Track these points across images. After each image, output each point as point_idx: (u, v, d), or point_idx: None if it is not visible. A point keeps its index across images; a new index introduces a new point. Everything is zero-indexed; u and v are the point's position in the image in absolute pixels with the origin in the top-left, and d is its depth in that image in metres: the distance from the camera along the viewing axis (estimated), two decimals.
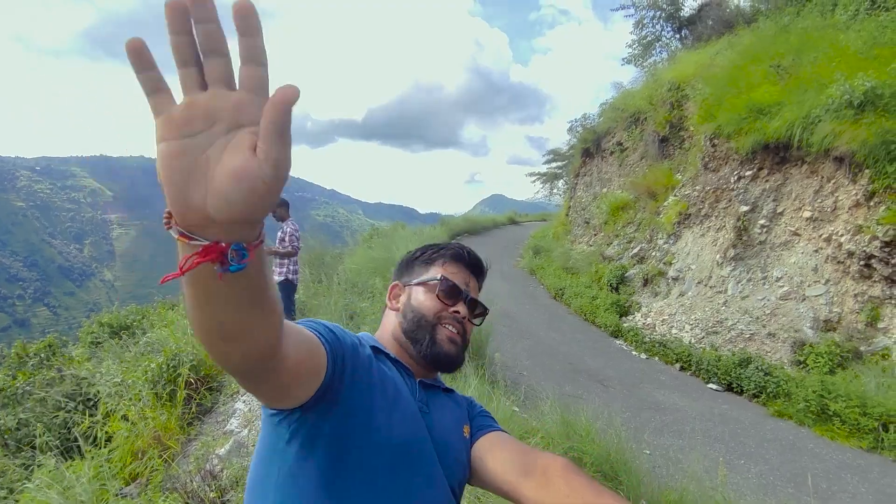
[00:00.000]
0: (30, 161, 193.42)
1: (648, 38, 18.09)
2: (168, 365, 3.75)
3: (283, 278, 5.37)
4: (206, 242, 0.46)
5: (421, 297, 1.11)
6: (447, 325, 1.09)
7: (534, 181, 33.96)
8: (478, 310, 1.16)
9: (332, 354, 0.82)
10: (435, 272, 1.14)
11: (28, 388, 3.62)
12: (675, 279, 9.12)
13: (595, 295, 9.77)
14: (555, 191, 33.38)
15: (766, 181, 7.79)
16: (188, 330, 4.58)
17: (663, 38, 17.86)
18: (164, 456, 3.06)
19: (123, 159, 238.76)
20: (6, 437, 3.51)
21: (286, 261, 5.44)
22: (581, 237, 14.96)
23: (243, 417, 3.32)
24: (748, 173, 8.04)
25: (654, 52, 18.15)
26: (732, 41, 10.95)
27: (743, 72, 8.42)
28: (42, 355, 4.21)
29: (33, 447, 3.50)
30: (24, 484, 2.73)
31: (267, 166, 0.43)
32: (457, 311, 1.10)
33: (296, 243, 5.47)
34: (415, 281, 1.14)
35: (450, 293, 1.11)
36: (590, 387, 5.46)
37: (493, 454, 1.00)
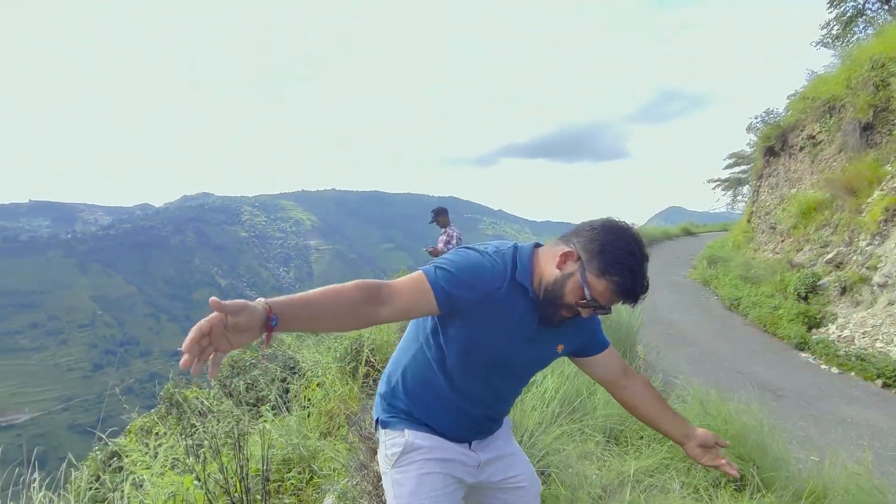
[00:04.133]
0: (251, 198, 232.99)
1: (849, 14, 15.74)
2: (352, 347, 4.57)
3: None
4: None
5: (571, 290, 1.24)
6: (565, 312, 1.28)
7: (714, 188, 31.13)
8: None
9: (442, 301, 1.19)
10: (598, 289, 1.22)
11: (254, 361, 4.72)
12: (883, 286, 7.82)
13: (777, 305, 8.80)
14: (739, 197, 30.24)
15: None
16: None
17: (867, 13, 15.39)
18: (348, 415, 3.77)
19: (320, 192, 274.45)
20: (239, 397, 4.61)
21: None
22: (765, 244, 13.47)
23: None
24: None
25: (855, 29, 15.73)
26: None
27: None
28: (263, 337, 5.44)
29: (256, 406, 4.52)
30: (253, 427, 3.62)
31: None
32: (579, 314, 1.28)
33: (461, 244, 6.31)
34: (585, 275, 1.22)
35: (588, 309, 1.26)
36: (758, 395, 5.03)
37: (601, 364, 1.51)
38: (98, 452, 4.12)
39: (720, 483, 2.63)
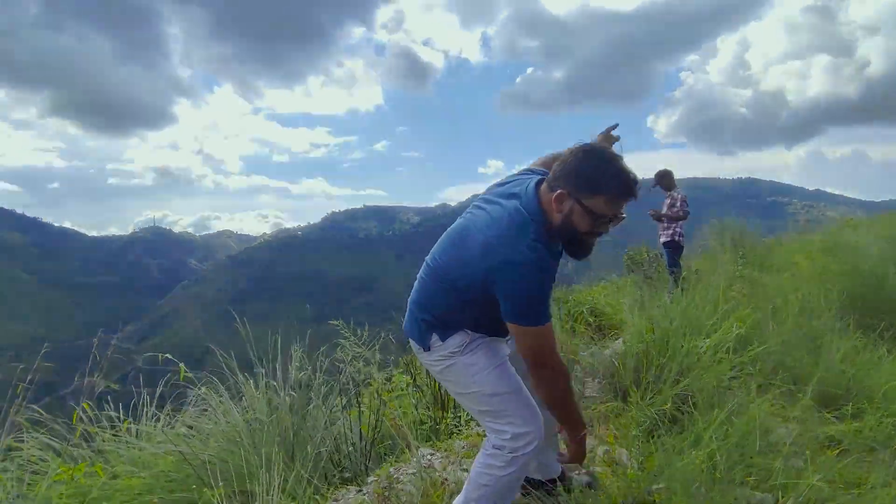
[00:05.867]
0: None
1: None
2: (572, 309, 4.98)
3: (669, 239, 6.05)
4: None
5: (579, 219, 1.47)
6: (593, 241, 1.56)
7: None
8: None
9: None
10: (599, 206, 1.45)
11: None
12: None
13: None
14: None
15: None
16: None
17: None
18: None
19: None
20: None
21: (674, 224, 6.12)
22: None
23: None
24: None
25: None
26: None
27: None
28: None
29: None
30: None
31: None
32: (603, 232, 1.53)
33: (686, 208, 6.20)
34: (582, 201, 1.45)
35: (598, 220, 1.48)
36: None
37: None
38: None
39: None
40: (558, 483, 1.96)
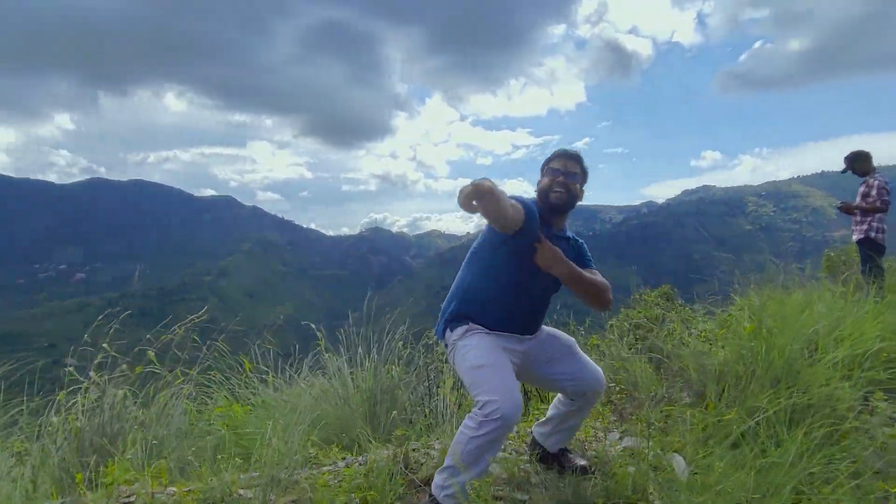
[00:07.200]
0: (755, 188, 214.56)
1: None
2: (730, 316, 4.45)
3: (863, 235, 4.91)
4: None
5: (543, 180, 2.16)
6: (555, 189, 2.11)
7: None
8: (573, 176, 2.12)
9: (526, 216, 1.91)
10: (549, 166, 2.16)
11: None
12: None
13: None
14: None
15: None
16: None
17: None
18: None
19: (848, 177, 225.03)
20: None
21: (868, 217, 4.90)
22: None
23: None
24: None
25: None
26: None
27: None
28: (659, 300, 5.77)
29: None
30: None
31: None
32: (559, 180, 2.10)
33: (885, 197, 4.87)
34: (543, 172, 2.18)
35: (553, 173, 2.12)
36: None
37: None
38: None
39: None
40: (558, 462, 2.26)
